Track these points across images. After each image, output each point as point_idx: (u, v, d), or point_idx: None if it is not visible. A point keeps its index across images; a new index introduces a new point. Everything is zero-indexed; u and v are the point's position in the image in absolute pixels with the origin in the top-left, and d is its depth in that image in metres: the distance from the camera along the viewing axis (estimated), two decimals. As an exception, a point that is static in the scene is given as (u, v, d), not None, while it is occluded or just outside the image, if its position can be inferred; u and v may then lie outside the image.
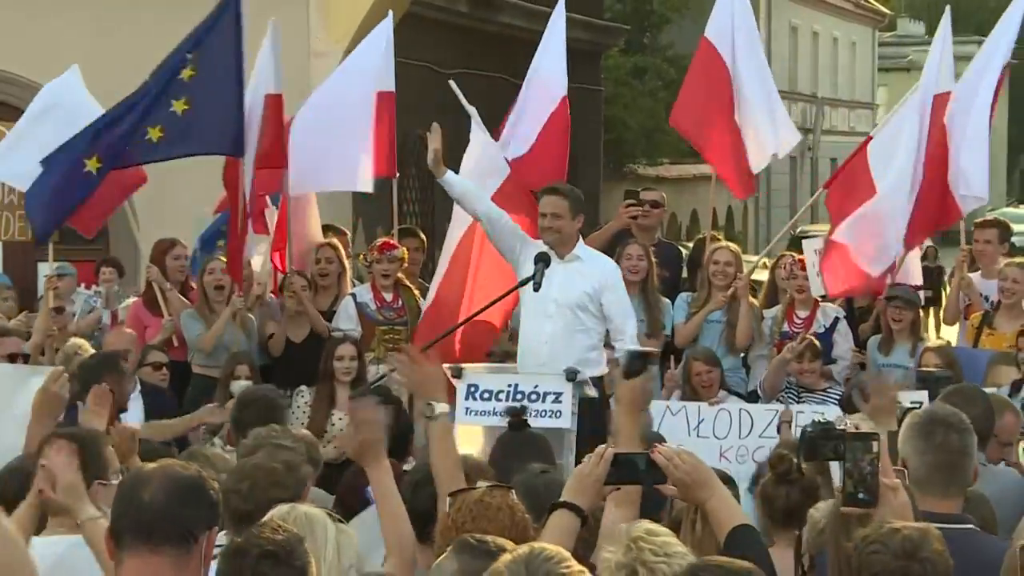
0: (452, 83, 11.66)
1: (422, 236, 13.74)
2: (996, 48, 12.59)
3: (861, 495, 5.03)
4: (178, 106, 11.60)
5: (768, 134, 12.26)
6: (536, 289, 9.18)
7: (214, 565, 4.67)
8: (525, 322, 9.87)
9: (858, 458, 5.10)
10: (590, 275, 9.80)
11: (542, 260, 9.28)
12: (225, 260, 11.73)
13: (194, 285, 12.01)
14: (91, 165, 11.41)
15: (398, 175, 12.98)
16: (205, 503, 4.50)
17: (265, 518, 4.68)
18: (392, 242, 11.96)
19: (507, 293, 9.99)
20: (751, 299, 11.53)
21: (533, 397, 8.90)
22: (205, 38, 11.79)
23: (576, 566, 3.80)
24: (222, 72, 11.80)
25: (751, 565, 4.22)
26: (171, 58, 11.80)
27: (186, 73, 11.64)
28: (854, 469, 5.11)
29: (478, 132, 11.32)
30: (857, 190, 11.67)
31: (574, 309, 9.70)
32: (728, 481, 6.33)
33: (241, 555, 4.41)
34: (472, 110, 11.24)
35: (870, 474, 5.05)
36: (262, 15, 12.16)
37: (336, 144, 12.27)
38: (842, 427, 5.73)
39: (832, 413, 9.17)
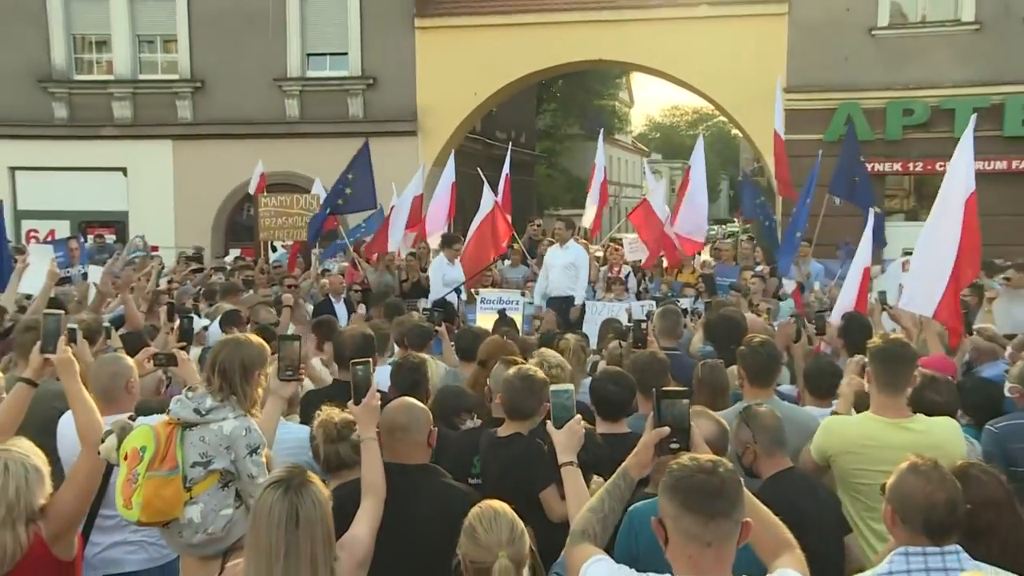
0: (479, 171, 11.24)
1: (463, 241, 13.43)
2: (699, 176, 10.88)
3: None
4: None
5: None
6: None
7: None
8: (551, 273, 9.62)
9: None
10: (569, 254, 9.65)
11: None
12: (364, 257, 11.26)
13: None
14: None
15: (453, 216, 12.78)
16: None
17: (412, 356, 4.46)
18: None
19: (489, 265, 9.96)
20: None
21: (508, 302, 8.72)
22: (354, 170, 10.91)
23: (568, 365, 3.74)
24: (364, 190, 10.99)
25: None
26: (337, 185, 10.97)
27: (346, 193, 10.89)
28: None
29: (488, 191, 10.57)
30: (652, 218, 10.97)
31: (565, 267, 9.58)
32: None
33: (400, 365, 4.27)
34: (487, 186, 10.64)
35: (631, 345, 5.12)
36: (387, 151, 11.29)
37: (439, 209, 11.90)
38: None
39: (626, 307, 8.68)
